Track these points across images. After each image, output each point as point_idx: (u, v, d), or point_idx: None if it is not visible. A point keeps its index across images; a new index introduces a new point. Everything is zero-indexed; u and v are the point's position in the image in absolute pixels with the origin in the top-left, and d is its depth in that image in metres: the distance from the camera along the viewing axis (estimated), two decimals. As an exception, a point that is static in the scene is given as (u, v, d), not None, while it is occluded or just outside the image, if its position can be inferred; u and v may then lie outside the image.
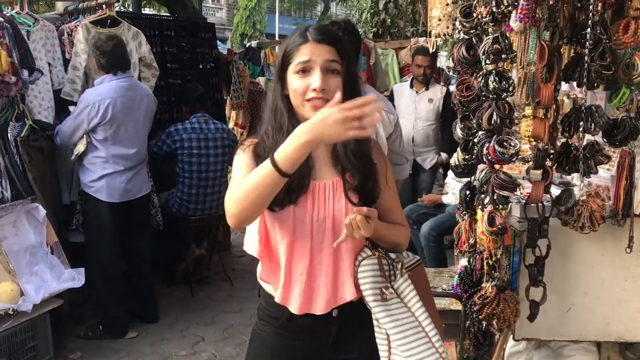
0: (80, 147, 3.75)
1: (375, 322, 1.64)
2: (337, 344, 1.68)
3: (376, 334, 1.65)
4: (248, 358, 1.78)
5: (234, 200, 1.51)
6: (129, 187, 3.88)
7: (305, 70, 1.55)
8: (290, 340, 1.69)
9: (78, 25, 4.16)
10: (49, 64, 4.03)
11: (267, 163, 1.42)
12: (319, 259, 1.61)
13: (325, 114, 1.35)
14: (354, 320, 1.66)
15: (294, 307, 1.62)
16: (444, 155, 5.12)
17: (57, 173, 4.03)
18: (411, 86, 5.19)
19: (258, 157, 1.59)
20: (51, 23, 4.16)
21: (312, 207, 1.60)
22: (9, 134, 3.60)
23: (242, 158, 1.65)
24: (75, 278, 3.58)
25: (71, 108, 3.89)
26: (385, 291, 1.61)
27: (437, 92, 5.14)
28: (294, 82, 1.56)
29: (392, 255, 1.69)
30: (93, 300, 4.16)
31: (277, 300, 1.64)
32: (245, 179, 1.49)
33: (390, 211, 1.73)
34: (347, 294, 1.62)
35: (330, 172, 1.64)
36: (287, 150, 1.39)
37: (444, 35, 2.64)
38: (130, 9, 7.35)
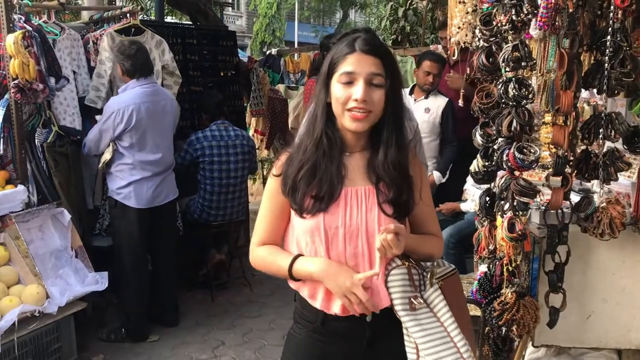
0: (107, 155, 3.81)
1: (404, 332, 1.65)
2: (370, 348, 1.69)
3: (405, 343, 1.66)
4: (283, 358, 1.81)
5: (258, 260, 1.77)
6: (156, 194, 3.94)
7: (348, 82, 1.58)
8: (324, 344, 1.71)
9: (103, 33, 4.24)
10: (74, 72, 4.12)
11: (286, 262, 1.67)
12: (354, 265, 1.63)
13: (346, 281, 1.56)
14: (387, 326, 1.67)
15: (336, 309, 1.65)
16: (435, 174, 4.53)
17: (82, 178, 4.11)
18: (410, 93, 4.69)
19: (285, 183, 1.65)
20: (77, 32, 4.25)
21: (344, 212, 1.62)
22: (36, 140, 3.69)
23: (270, 186, 1.73)
24: (98, 282, 3.64)
25: (98, 117, 3.96)
26: (414, 301, 1.61)
27: (437, 102, 4.59)
28: (337, 90, 1.59)
29: (425, 264, 1.70)
30: (115, 304, 4.23)
31: (318, 306, 1.67)
32: (268, 255, 1.73)
33: (425, 222, 1.75)
34: (383, 300, 1.63)
35: (363, 180, 1.66)
36: (302, 272, 1.65)
37: (464, 43, 2.66)
38: (154, 18, 7.46)
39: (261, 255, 1.75)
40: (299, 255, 1.67)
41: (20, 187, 3.51)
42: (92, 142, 3.81)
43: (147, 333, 4.01)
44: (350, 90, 1.57)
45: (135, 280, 3.95)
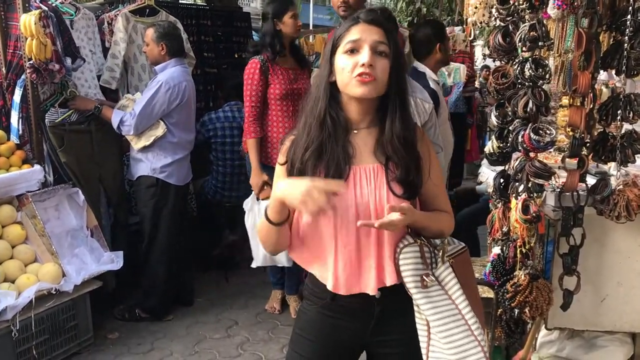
0: (160, 132, 3.77)
1: (415, 308, 1.66)
2: (378, 325, 1.70)
3: (416, 320, 1.67)
4: (294, 335, 1.83)
5: (259, 236, 1.71)
6: (189, 172, 4.04)
7: (354, 50, 1.59)
8: (333, 320, 1.73)
9: (118, 14, 4.25)
10: (91, 51, 4.13)
11: (263, 215, 1.62)
12: (365, 243, 1.63)
13: (302, 185, 1.48)
14: (396, 302, 1.68)
15: (343, 290, 1.65)
16: None
17: (114, 156, 4.11)
18: None
19: (292, 167, 1.65)
20: (92, 12, 4.26)
21: (354, 192, 1.62)
22: (46, 120, 3.69)
23: (277, 173, 1.73)
24: (114, 261, 3.68)
25: (137, 95, 3.95)
26: (426, 278, 1.61)
27: None
28: (342, 61, 1.60)
29: (436, 242, 1.70)
30: (130, 283, 4.27)
31: (329, 287, 1.66)
32: (258, 223, 1.66)
33: (434, 199, 1.74)
34: (388, 279, 1.64)
35: (372, 158, 1.65)
36: (270, 206, 1.60)
37: (480, 23, 2.62)
38: (168, -1, 7.44)
39: (257, 229, 1.74)
40: None
41: (37, 167, 3.56)
42: (143, 118, 3.70)
43: (168, 312, 4.05)
44: (356, 58, 1.58)
45: (170, 260, 3.98)
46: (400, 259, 1.62)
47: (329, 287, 1.67)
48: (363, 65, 1.56)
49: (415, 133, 1.69)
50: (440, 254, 1.66)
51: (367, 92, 1.58)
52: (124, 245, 3.98)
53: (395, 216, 1.52)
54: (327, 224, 1.63)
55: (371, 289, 1.64)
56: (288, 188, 1.53)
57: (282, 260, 3.60)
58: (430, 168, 1.69)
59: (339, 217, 1.61)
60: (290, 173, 1.66)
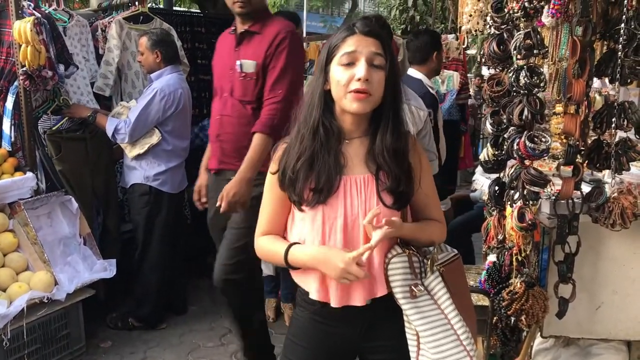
0: (154, 139, 3.75)
1: (405, 319, 1.66)
2: (369, 331, 1.70)
3: (406, 331, 1.66)
4: (287, 342, 1.82)
5: (259, 250, 1.77)
6: (183, 179, 4.02)
7: (350, 63, 1.57)
8: (325, 326, 1.72)
9: (111, 21, 4.24)
10: (84, 58, 4.12)
11: (282, 250, 1.66)
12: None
13: (339, 264, 1.53)
14: (386, 309, 1.67)
15: (334, 302, 1.64)
16: None
17: (110, 163, 4.10)
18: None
19: (283, 175, 1.65)
20: (85, 19, 4.25)
21: (344, 202, 1.61)
22: (39, 128, 3.67)
23: (270, 180, 1.72)
24: (107, 269, 3.65)
25: (132, 103, 3.93)
26: (415, 289, 1.61)
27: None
28: (338, 73, 1.59)
29: (429, 249, 1.69)
30: (122, 292, 4.24)
31: (316, 297, 1.66)
32: (267, 244, 1.73)
33: (425, 207, 1.74)
34: (378, 290, 1.64)
35: (363, 168, 1.65)
36: (296, 261, 1.65)
37: (475, 31, 2.63)
38: (162, 6, 7.45)
39: (261, 244, 1.76)
40: (293, 243, 1.67)
41: (29, 174, 3.53)
42: (140, 125, 3.69)
43: (162, 320, 4.03)
44: (352, 71, 1.57)
45: (162, 267, 3.95)
46: (388, 269, 1.61)
47: (316, 296, 1.67)
48: (359, 80, 1.55)
49: (407, 142, 1.68)
50: (430, 263, 1.65)
51: (361, 109, 1.59)
52: (116, 253, 3.95)
53: (382, 229, 1.53)
54: (316, 235, 1.63)
55: (360, 300, 1.64)
56: (319, 263, 1.59)
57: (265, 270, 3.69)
58: (422, 177, 1.69)
59: (327, 227, 1.61)
60: (282, 182, 1.66)
